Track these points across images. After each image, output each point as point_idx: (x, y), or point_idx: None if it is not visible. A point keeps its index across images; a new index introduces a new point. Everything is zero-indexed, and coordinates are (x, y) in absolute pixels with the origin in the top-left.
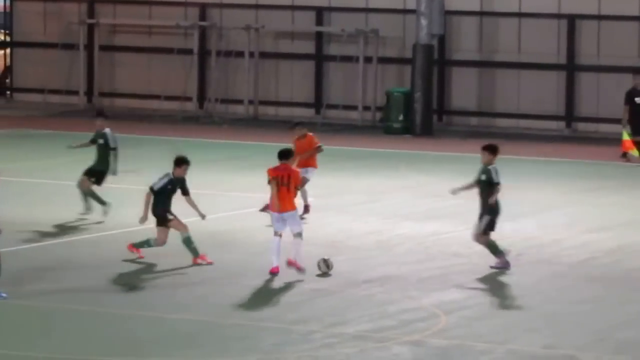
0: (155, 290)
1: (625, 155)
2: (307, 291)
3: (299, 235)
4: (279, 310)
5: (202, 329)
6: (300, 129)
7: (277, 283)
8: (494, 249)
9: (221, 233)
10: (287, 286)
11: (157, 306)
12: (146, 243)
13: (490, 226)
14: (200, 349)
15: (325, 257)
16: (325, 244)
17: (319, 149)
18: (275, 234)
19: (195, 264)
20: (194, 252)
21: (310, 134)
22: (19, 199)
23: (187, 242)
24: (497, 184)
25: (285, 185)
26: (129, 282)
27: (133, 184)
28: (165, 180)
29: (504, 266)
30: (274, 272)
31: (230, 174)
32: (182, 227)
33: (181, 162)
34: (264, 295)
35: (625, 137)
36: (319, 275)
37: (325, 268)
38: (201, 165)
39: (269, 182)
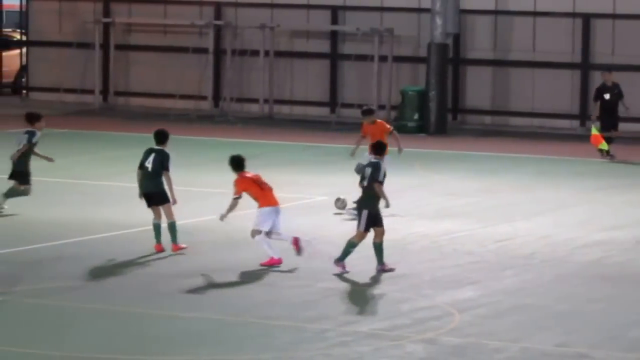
0: (169, 288)
1: (601, 152)
2: (321, 290)
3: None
4: (293, 308)
5: (216, 328)
6: (368, 117)
7: (291, 282)
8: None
9: (234, 232)
10: (301, 285)
11: (171, 305)
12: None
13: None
14: (215, 347)
15: (342, 197)
16: (340, 242)
17: (390, 133)
18: (260, 232)
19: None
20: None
21: (379, 120)
22: (34, 198)
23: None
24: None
25: (265, 184)
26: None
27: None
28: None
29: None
30: (275, 264)
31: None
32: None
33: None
34: (278, 294)
35: (594, 132)
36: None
37: (341, 205)
38: (215, 164)
39: (237, 195)
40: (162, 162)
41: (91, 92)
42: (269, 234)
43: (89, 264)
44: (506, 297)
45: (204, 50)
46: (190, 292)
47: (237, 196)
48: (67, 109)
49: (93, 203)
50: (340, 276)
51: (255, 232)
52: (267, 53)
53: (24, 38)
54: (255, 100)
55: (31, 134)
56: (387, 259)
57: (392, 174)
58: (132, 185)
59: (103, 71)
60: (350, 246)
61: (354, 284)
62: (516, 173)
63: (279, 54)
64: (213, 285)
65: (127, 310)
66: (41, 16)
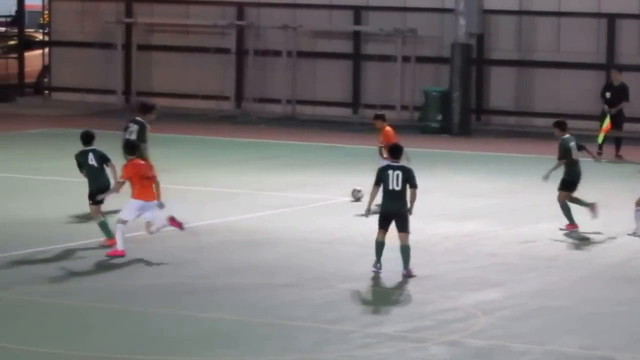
0: (189, 289)
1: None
2: (344, 291)
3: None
4: (315, 310)
5: (237, 329)
6: (377, 122)
7: (314, 283)
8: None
9: (256, 232)
10: (324, 286)
11: (192, 306)
12: None
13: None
14: (236, 348)
15: (358, 188)
16: (362, 243)
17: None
18: (123, 222)
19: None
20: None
21: (387, 127)
22: (54, 198)
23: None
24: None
25: (147, 178)
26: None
27: (164, 183)
28: None
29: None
30: (118, 255)
31: (267, 173)
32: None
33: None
34: (300, 295)
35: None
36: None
37: (357, 196)
38: (237, 164)
39: (122, 180)
40: (103, 157)
41: (113, 92)
42: (148, 226)
43: (109, 264)
44: (530, 299)
45: (226, 51)
46: (211, 292)
47: (122, 180)
48: (89, 109)
49: (112, 204)
50: (363, 277)
51: (119, 220)
52: (289, 53)
53: (46, 38)
54: (278, 101)
55: (142, 125)
56: (411, 260)
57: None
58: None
59: (125, 71)
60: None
61: (377, 285)
62: (540, 174)
63: (302, 54)
64: (234, 286)
65: (147, 310)
66: (63, 16)
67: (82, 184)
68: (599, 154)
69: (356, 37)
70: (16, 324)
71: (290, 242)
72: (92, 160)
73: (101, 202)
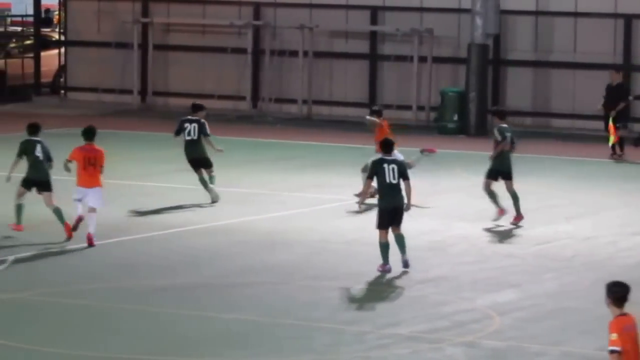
0: (207, 289)
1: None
2: (360, 292)
3: (94, 210)
4: (331, 310)
5: (255, 329)
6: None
7: (331, 283)
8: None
9: (273, 233)
10: (340, 286)
11: (209, 306)
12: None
13: None
14: (253, 349)
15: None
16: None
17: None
18: (77, 200)
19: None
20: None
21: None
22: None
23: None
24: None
25: (92, 164)
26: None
27: (181, 183)
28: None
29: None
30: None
31: (283, 173)
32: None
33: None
34: (317, 296)
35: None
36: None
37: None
38: (254, 164)
39: (69, 161)
40: (48, 154)
41: (130, 92)
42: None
43: (126, 264)
44: (547, 300)
45: (242, 51)
46: (228, 293)
47: (69, 159)
48: (106, 109)
49: (131, 204)
50: (380, 278)
51: (75, 200)
52: (306, 53)
53: (63, 38)
54: (294, 101)
55: (202, 124)
56: (428, 261)
57: (432, 176)
58: (170, 185)
59: (141, 71)
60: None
61: (393, 286)
62: (557, 175)
63: (318, 54)
64: (251, 286)
65: (165, 311)
66: (79, 16)
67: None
68: (619, 155)
69: (373, 37)
70: (36, 325)
71: (307, 242)
72: (39, 152)
73: (29, 189)
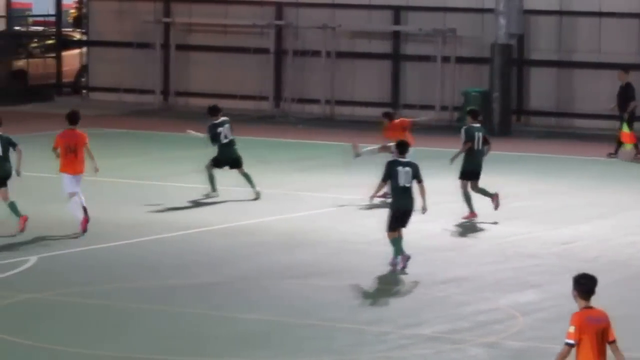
0: (228, 290)
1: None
2: (381, 292)
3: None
4: (352, 310)
5: (275, 329)
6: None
7: (351, 283)
8: None
9: (295, 233)
10: (361, 287)
11: (230, 306)
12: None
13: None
14: (273, 349)
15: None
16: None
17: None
18: (71, 195)
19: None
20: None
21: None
22: (93, 198)
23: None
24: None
25: (73, 151)
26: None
27: (201, 184)
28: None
29: None
30: (85, 227)
31: (305, 174)
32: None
33: None
34: (338, 296)
35: (624, 129)
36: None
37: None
38: (276, 165)
39: (54, 149)
40: (10, 143)
41: (151, 92)
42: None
43: (146, 264)
44: (569, 301)
45: (264, 51)
46: (248, 293)
47: (54, 147)
48: (127, 109)
49: (152, 204)
50: (401, 279)
51: (69, 195)
52: (328, 54)
53: (84, 38)
54: (316, 101)
55: (230, 124)
56: (449, 261)
57: (454, 175)
58: (191, 186)
59: (163, 71)
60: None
61: (414, 286)
62: (579, 175)
63: (341, 54)
64: (272, 287)
65: (184, 310)
66: (101, 16)
67: (121, 185)
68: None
69: (395, 37)
70: (55, 325)
71: (327, 242)
72: None
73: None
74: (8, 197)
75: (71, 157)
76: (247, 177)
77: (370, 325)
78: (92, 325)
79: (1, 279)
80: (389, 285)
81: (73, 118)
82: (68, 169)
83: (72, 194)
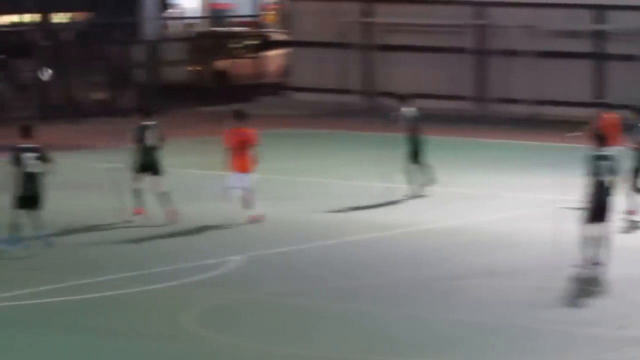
0: (426, 290)
1: None
2: (590, 293)
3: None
4: (560, 311)
5: (474, 332)
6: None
7: (558, 285)
8: None
9: (505, 234)
10: (567, 287)
11: (426, 307)
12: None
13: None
14: (472, 353)
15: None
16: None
17: None
18: (230, 191)
19: None
20: None
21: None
22: (287, 198)
23: None
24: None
25: (241, 148)
26: None
27: (404, 183)
28: None
29: None
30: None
31: (509, 174)
32: None
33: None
34: (544, 297)
35: None
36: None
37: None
38: (478, 165)
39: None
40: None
41: (352, 92)
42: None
43: (343, 265)
44: None
45: (465, 50)
46: (448, 294)
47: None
48: (327, 110)
49: (354, 205)
50: (613, 280)
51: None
52: (530, 53)
53: (287, 38)
54: (519, 101)
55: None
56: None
57: None
58: (394, 186)
59: (364, 71)
60: None
61: (625, 286)
62: None
63: (543, 54)
64: (472, 288)
65: (379, 311)
66: (304, 17)
67: (322, 185)
68: None
69: (599, 36)
70: (258, 324)
71: (536, 244)
72: None
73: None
74: (161, 187)
75: (239, 155)
76: (423, 170)
77: (579, 327)
78: (279, 325)
79: (206, 280)
80: (599, 286)
81: (240, 116)
82: (237, 168)
83: (232, 188)
